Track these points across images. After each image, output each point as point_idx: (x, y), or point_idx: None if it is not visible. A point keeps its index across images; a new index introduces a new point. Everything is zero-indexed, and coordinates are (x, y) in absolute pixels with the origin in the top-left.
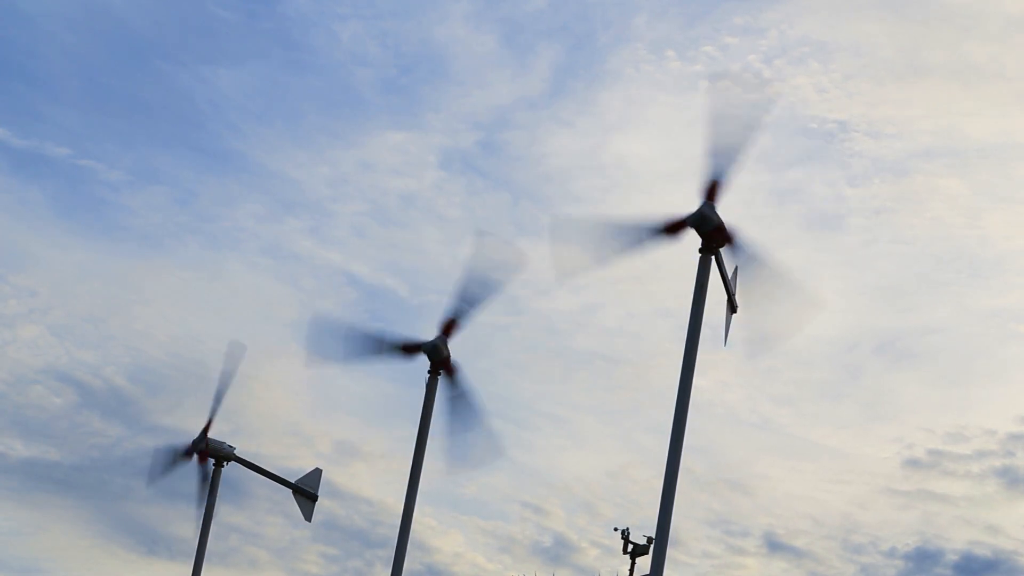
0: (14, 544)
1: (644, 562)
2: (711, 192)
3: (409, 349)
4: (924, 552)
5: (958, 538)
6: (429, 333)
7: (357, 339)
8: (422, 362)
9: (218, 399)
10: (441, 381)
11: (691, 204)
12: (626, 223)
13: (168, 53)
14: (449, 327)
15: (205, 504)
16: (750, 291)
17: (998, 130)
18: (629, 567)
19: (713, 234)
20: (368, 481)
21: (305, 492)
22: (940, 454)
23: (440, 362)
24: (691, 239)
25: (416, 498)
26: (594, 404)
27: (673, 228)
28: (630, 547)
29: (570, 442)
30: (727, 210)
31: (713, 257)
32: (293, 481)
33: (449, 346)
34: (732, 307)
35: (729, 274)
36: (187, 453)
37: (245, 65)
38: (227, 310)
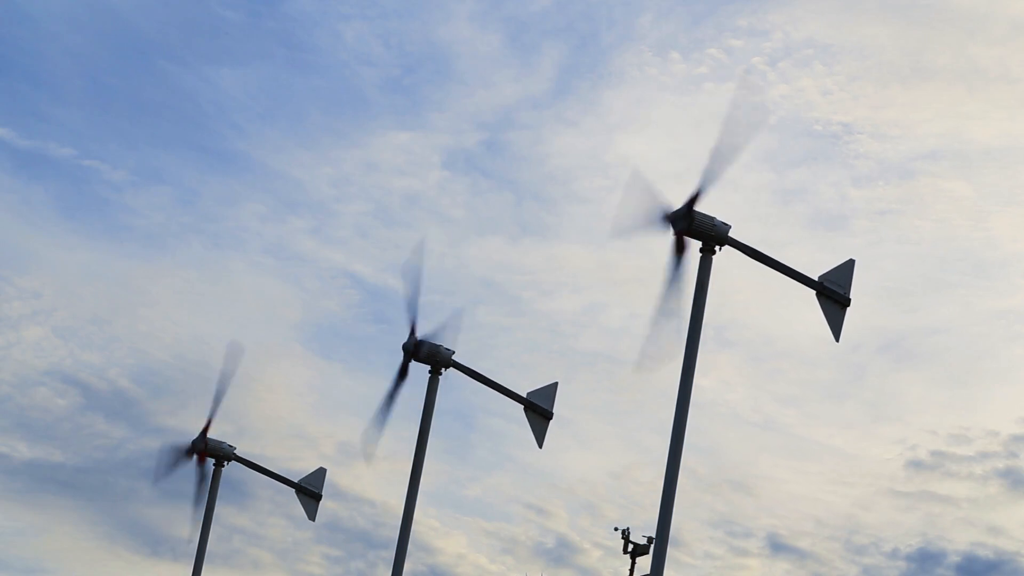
0: (18, 545)
1: (645, 562)
2: (693, 196)
3: None
4: (926, 553)
5: (960, 539)
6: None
7: None
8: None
9: (218, 399)
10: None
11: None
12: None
13: (171, 53)
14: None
15: (204, 504)
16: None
17: (1003, 132)
18: (629, 567)
19: (682, 235)
20: (371, 482)
21: (308, 491)
22: (943, 455)
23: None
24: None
25: (417, 499)
26: (597, 405)
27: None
28: (630, 547)
29: (573, 443)
30: (722, 208)
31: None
32: (296, 481)
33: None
34: (843, 303)
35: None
36: (188, 453)
37: (249, 65)
38: (230, 311)
